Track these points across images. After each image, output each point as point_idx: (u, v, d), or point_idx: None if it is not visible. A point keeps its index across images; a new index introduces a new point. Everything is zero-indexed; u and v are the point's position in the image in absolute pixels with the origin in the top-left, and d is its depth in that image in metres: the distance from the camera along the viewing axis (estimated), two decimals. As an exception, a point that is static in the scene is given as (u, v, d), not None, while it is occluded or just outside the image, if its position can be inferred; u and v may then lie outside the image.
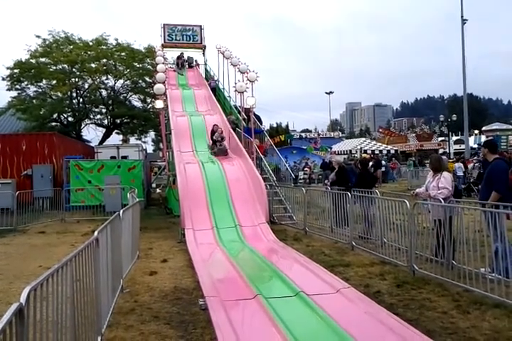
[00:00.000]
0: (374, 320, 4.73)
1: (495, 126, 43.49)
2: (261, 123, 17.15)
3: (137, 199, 8.76)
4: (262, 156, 14.95)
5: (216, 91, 21.53)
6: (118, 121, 29.93)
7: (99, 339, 4.20)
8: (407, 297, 5.66)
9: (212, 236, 9.62)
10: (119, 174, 16.45)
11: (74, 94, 28.22)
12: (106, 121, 30.15)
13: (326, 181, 10.93)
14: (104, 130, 30.15)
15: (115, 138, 30.92)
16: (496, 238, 6.01)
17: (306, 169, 27.44)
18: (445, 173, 7.38)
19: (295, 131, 74.76)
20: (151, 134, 33.76)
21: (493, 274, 5.79)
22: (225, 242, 9.17)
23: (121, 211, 6.33)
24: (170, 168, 15.35)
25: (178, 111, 18.19)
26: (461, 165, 20.75)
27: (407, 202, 6.93)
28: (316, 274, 6.50)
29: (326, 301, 5.30)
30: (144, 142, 31.87)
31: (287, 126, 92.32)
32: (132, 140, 30.72)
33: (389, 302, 5.46)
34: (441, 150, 40.55)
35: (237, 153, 13.98)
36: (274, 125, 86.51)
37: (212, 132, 14.89)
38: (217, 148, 14.36)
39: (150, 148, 43.86)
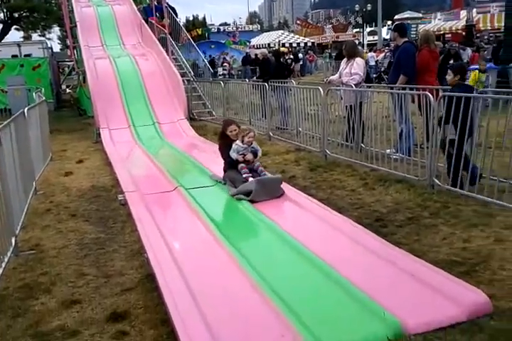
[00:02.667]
0: (290, 201, 5.02)
1: (406, 14, 43.71)
2: (176, 16, 15.92)
3: (43, 98, 8.18)
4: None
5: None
6: (16, 15, 26.54)
7: (13, 240, 4.13)
8: (320, 179, 6.03)
9: (129, 135, 9.38)
10: (23, 74, 15.16)
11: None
12: (1, 15, 26.69)
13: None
14: (0, 26, 26.82)
15: (15, 36, 27.81)
16: (401, 120, 6.36)
17: (225, 64, 26.67)
18: (358, 59, 7.45)
19: (213, 24, 71.04)
20: (56, 30, 30.61)
21: (397, 154, 6.25)
22: (144, 140, 9.01)
23: (26, 109, 5.90)
24: (78, 65, 14.27)
25: (83, 1, 16.37)
26: (374, 54, 21.21)
27: (321, 89, 7.04)
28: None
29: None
30: (49, 39, 28.90)
31: (204, 18, 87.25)
32: (35, 37, 27.82)
33: (303, 184, 5.79)
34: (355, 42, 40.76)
35: (151, 46, 13.12)
36: (191, 18, 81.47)
37: None
38: None
39: (57, 47, 40.18)
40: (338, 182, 5.83)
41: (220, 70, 25.24)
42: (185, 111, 10.65)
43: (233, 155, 5.39)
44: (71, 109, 15.37)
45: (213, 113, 11.96)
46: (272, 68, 10.51)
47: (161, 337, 2.82)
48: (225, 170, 5.66)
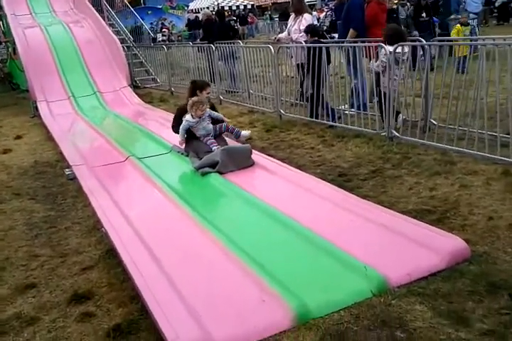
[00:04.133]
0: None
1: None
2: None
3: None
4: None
5: None
6: None
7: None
8: (277, 139, 5.85)
9: (69, 106, 8.77)
10: None
11: None
12: None
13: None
14: None
15: None
16: (354, 75, 6.23)
17: (164, 30, 25.55)
18: (306, 15, 7.19)
19: (147, -10, 67.61)
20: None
21: (352, 109, 6.15)
22: (86, 111, 8.45)
23: None
24: (6, 37, 13.11)
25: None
26: (315, 13, 20.91)
27: (271, 47, 6.76)
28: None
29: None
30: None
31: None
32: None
33: (261, 146, 5.60)
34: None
35: (85, 13, 12.22)
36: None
37: None
38: None
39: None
40: (296, 141, 5.68)
41: (159, 36, 24.17)
42: (128, 78, 10.09)
43: (181, 131, 4.98)
44: (2, 84, 14.24)
45: (157, 79, 11.44)
46: (216, 29, 10.03)
47: (132, 314, 2.59)
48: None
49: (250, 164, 4.65)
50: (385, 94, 5.27)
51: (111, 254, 3.28)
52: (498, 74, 4.24)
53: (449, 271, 2.67)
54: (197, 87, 5.19)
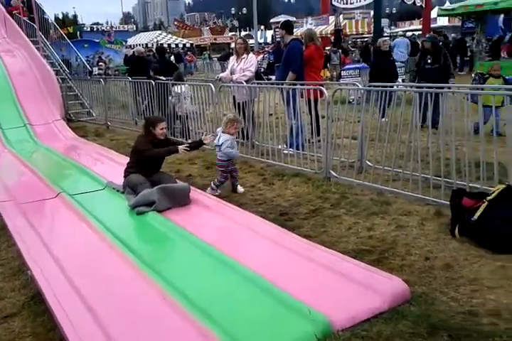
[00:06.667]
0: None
1: (281, 18, 45.45)
2: (44, 13, 14.54)
3: None
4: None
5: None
6: None
7: None
8: (218, 177, 5.79)
9: (-4, 139, 8.30)
10: None
11: None
12: None
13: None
14: None
15: None
16: (291, 116, 6.38)
17: (100, 64, 25.25)
18: (250, 55, 7.37)
19: (84, 24, 67.07)
20: None
21: (290, 149, 6.27)
22: (14, 143, 7.99)
23: None
24: None
25: None
26: (253, 56, 21.62)
27: (212, 86, 6.82)
28: (123, 165, 6.14)
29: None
30: None
31: (75, 17, 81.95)
32: None
33: (201, 183, 5.52)
34: (232, 44, 41.44)
35: (18, 42, 11.82)
36: (60, 16, 76.09)
37: None
38: None
39: None
40: (236, 179, 5.65)
41: (95, 70, 23.81)
42: (62, 111, 9.75)
43: (228, 150, 5.05)
44: None
45: (92, 113, 11.15)
46: (160, 65, 10.00)
47: (59, 368, 2.37)
48: (127, 175, 4.98)
49: (187, 203, 4.55)
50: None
51: (37, 300, 3.02)
52: (430, 119, 4.50)
53: (391, 312, 2.68)
54: (149, 123, 5.00)
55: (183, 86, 7.86)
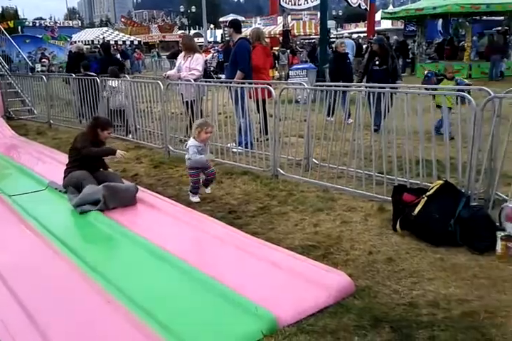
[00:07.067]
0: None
1: (230, 17, 45.47)
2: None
3: None
4: None
5: None
6: None
7: None
8: (165, 176, 5.73)
9: None
10: None
11: None
12: None
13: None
14: None
15: None
16: (240, 115, 6.39)
17: (44, 60, 24.31)
18: (197, 54, 7.31)
19: (26, 19, 64.24)
20: None
21: (239, 147, 6.28)
22: None
23: None
24: None
25: None
26: (202, 54, 21.54)
27: (160, 83, 6.72)
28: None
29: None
30: None
31: (16, 11, 78.08)
32: None
33: (148, 182, 5.43)
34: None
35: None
36: (-1, 9, 72.32)
37: None
38: None
39: None
40: (185, 177, 5.57)
41: (38, 66, 22.91)
42: (0, 109, 9.32)
43: (194, 156, 4.50)
44: None
45: (34, 111, 10.72)
46: (104, 62, 9.74)
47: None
48: (66, 175, 4.82)
49: (133, 203, 4.47)
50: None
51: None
52: (373, 117, 4.64)
53: (336, 306, 2.74)
54: (98, 124, 4.88)
55: (117, 81, 7.87)
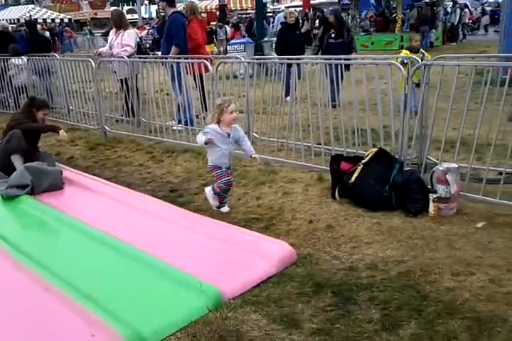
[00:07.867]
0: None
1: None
2: None
3: None
4: None
5: None
6: None
7: None
8: (103, 157, 5.56)
9: None
10: None
11: None
12: None
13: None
14: None
15: None
16: (177, 92, 6.24)
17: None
18: (129, 30, 7.03)
19: None
20: None
21: (180, 125, 6.15)
22: None
23: None
24: None
25: None
26: (137, 31, 20.86)
27: (92, 61, 6.43)
28: None
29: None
30: None
31: None
32: None
33: (84, 165, 5.25)
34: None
35: None
36: None
37: None
38: None
39: None
40: (123, 158, 5.45)
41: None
42: None
43: (199, 138, 3.62)
44: None
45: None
46: (31, 41, 9.15)
47: None
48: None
49: (62, 187, 4.34)
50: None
51: None
52: (308, 91, 4.66)
53: (279, 275, 2.79)
54: (35, 105, 4.80)
55: (21, 58, 7.74)
